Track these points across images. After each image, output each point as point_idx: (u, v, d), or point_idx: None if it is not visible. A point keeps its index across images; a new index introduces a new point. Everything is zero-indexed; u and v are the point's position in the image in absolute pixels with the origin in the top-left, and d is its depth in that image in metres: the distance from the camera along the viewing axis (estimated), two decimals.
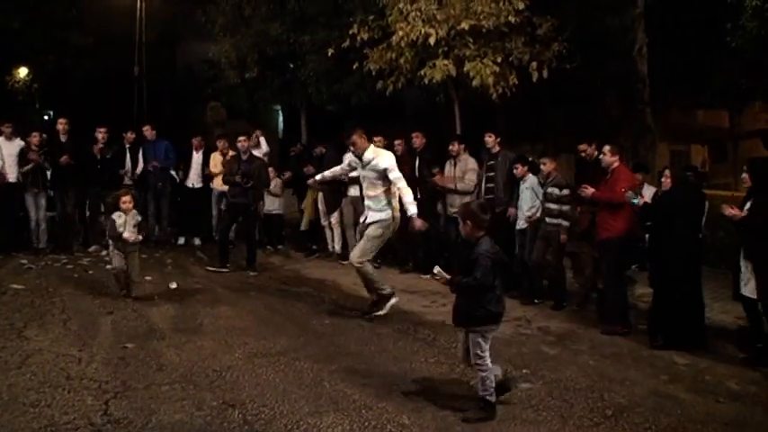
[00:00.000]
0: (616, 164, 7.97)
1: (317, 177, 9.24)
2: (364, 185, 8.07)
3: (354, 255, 8.02)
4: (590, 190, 7.95)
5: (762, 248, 6.61)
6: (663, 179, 7.61)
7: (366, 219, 8.03)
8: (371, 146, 7.94)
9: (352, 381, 5.88)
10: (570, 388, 5.87)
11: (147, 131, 12.98)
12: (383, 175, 7.82)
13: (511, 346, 7.04)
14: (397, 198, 7.94)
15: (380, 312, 7.93)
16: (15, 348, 6.51)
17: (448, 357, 6.58)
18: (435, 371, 6.24)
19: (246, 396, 5.43)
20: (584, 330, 7.68)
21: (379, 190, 7.86)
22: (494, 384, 5.18)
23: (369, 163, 7.85)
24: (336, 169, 8.81)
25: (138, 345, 6.73)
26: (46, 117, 26.73)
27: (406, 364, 6.36)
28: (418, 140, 10.58)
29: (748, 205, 6.72)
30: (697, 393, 5.86)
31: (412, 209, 7.81)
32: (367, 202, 8.05)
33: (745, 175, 6.93)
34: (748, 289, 6.72)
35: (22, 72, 23.10)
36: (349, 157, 10.75)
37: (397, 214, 7.95)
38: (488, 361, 5.17)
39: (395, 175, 7.80)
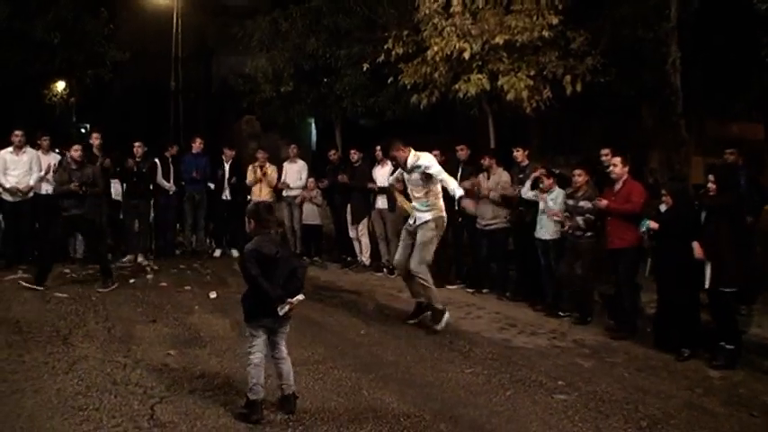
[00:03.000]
0: (626, 175, 8.15)
1: (392, 180, 9.25)
2: (410, 189, 8.31)
3: (413, 264, 8.13)
4: (604, 202, 8.10)
5: (718, 238, 6.91)
6: (663, 198, 7.64)
7: (414, 221, 8.19)
8: (411, 151, 8.09)
9: (390, 389, 6.00)
10: (605, 400, 5.93)
11: (197, 144, 13.26)
12: (426, 175, 7.99)
13: (546, 359, 7.11)
14: (441, 199, 8.14)
15: (437, 327, 8.01)
16: (62, 354, 6.72)
17: (484, 368, 6.68)
18: (472, 381, 6.33)
19: None
20: (619, 343, 7.70)
21: (424, 191, 8.08)
22: (258, 383, 5.26)
23: (413, 168, 8.06)
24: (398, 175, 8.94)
25: (181, 352, 6.91)
26: (83, 130, 27.20)
27: (442, 374, 6.46)
28: (463, 153, 10.69)
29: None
30: (731, 407, 5.88)
31: (458, 192, 8.04)
32: (413, 204, 8.24)
33: (711, 185, 7.15)
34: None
35: (60, 86, 23.54)
36: (381, 171, 10.96)
37: (443, 214, 8.12)
38: (255, 359, 5.30)
39: (435, 169, 7.96)
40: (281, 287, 5.28)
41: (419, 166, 7.99)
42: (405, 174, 8.33)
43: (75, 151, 10.32)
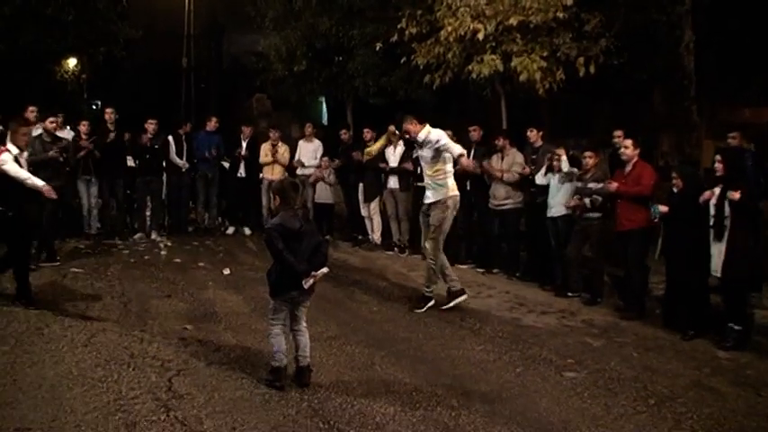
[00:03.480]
0: (636, 158, 8.23)
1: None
2: (422, 165, 8.39)
3: (428, 249, 8.25)
4: (614, 184, 8.17)
5: (737, 228, 6.92)
6: (674, 181, 7.69)
7: (427, 200, 8.26)
8: (426, 126, 8.12)
9: (402, 365, 6.11)
10: (614, 378, 6.02)
11: (212, 123, 13.33)
12: (437, 151, 8.01)
13: (556, 337, 7.20)
14: (452, 177, 8.19)
15: (418, 310, 8.09)
16: (80, 327, 6.85)
17: (495, 345, 6.78)
18: (483, 358, 6.43)
19: None
20: (628, 323, 7.78)
21: (434, 168, 8.11)
22: (279, 350, 5.46)
23: (425, 142, 8.10)
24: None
25: (197, 326, 7.04)
26: (94, 107, 27.30)
27: (453, 351, 6.57)
28: (476, 134, 10.75)
29: (718, 191, 7.05)
30: (738, 387, 5.95)
31: (458, 150, 7.97)
32: (426, 182, 8.29)
33: (718, 165, 7.17)
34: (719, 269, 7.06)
35: (71, 63, 23.61)
36: (394, 152, 11.03)
37: (454, 193, 8.15)
38: (276, 330, 5.50)
39: (443, 142, 7.95)
40: (306, 261, 5.43)
41: (430, 141, 8.04)
42: (418, 150, 8.42)
43: (51, 123, 10.52)
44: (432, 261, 8.18)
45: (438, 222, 8.09)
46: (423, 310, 8.07)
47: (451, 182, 8.17)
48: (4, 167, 7.42)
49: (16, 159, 7.61)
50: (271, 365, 5.49)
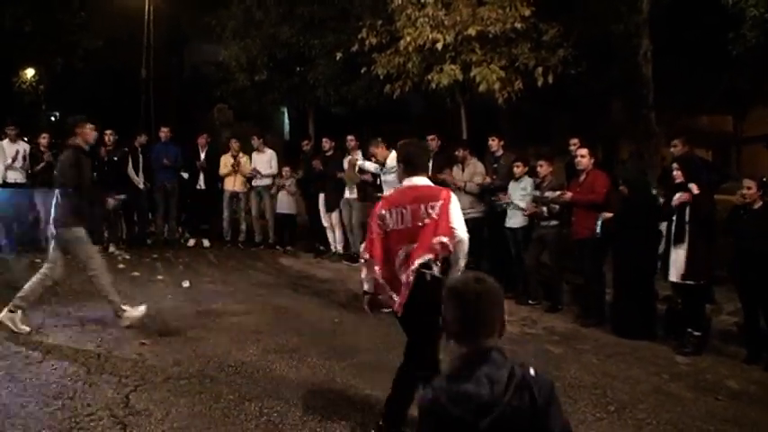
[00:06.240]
0: (591, 166, 8.35)
1: (359, 162, 9.00)
2: (386, 191, 8.08)
3: None
4: (568, 194, 8.27)
5: (696, 231, 7.08)
6: (620, 188, 7.84)
7: None
8: (393, 152, 7.98)
9: (363, 376, 6.08)
10: (574, 385, 6.06)
11: (164, 133, 13.18)
12: None
13: (517, 345, 7.19)
14: None
15: None
16: (36, 344, 6.70)
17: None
18: (444, 368, 6.40)
19: (262, 390, 5.61)
20: (588, 330, 7.86)
21: None
22: None
23: (392, 167, 7.92)
24: (372, 167, 8.61)
25: (154, 341, 6.92)
26: (52, 118, 26.89)
27: None
28: (434, 143, 10.67)
29: (677, 195, 7.22)
30: (697, 391, 6.03)
31: None
32: None
33: (677, 173, 7.33)
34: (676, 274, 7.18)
35: (29, 73, 23.28)
36: (352, 161, 10.92)
37: None
38: None
39: None
40: None
41: (395, 167, 7.82)
42: (382, 175, 8.18)
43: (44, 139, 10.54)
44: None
45: None
46: None
47: None
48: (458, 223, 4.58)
49: None
50: None
